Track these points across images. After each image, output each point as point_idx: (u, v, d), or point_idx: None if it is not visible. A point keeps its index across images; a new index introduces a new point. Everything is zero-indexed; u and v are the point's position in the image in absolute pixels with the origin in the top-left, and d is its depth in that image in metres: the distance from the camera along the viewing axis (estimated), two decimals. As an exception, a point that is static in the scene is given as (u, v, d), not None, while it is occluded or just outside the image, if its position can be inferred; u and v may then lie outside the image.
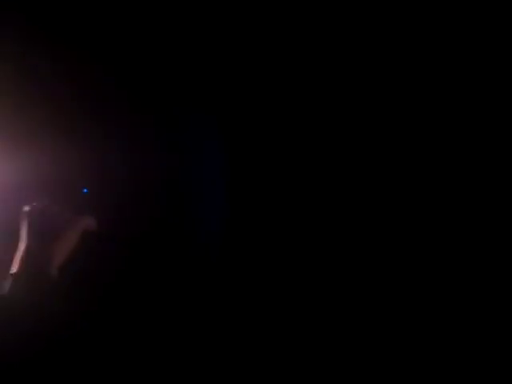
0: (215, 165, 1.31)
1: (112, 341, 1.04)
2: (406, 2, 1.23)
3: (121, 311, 1.15)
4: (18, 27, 1.25)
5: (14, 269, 0.98)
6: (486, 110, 1.23)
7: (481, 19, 1.21)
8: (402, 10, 1.24)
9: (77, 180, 1.22)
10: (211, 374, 1.16)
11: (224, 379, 1.16)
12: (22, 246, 1.01)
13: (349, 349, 1.19)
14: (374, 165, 1.26)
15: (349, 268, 1.23)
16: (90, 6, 1.27)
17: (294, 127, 1.28)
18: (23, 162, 1.19)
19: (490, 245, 1.20)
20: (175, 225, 1.27)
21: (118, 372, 1.04)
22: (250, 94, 1.29)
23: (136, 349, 1.12)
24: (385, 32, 1.25)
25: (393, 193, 1.25)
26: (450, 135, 1.24)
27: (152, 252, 1.24)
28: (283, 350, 1.19)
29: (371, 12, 1.25)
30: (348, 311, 1.21)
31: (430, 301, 1.20)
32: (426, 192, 1.24)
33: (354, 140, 1.27)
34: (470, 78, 1.23)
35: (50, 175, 1.20)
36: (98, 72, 1.28)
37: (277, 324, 1.21)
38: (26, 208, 1.06)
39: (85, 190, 1.21)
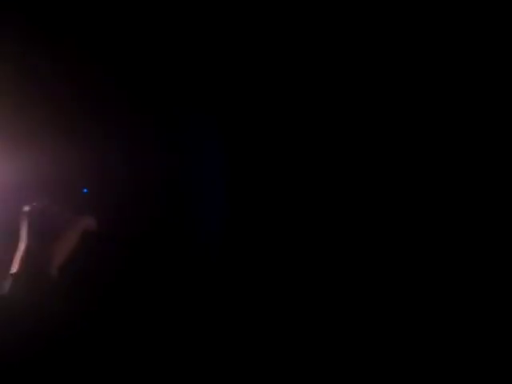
0: (215, 165, 1.31)
1: (112, 341, 1.04)
2: (405, 1, 1.23)
3: (121, 311, 1.15)
4: (18, 27, 1.25)
5: (14, 269, 0.98)
6: (486, 110, 1.23)
7: (481, 19, 1.21)
8: (401, 10, 1.24)
9: (77, 180, 1.22)
10: (211, 373, 1.16)
11: (224, 379, 1.16)
12: (22, 246, 1.01)
13: (349, 349, 1.19)
14: (374, 165, 1.26)
15: (349, 268, 1.23)
16: (89, 6, 1.27)
17: (293, 127, 1.28)
18: (23, 161, 1.19)
19: (490, 245, 1.20)
20: (175, 225, 1.27)
21: (118, 372, 1.04)
22: (249, 94, 1.29)
23: (136, 349, 1.12)
24: (385, 32, 1.25)
25: (393, 193, 1.24)
26: (449, 135, 1.24)
27: (152, 252, 1.24)
28: (283, 350, 1.19)
29: (371, 12, 1.25)
30: (348, 311, 1.21)
31: (429, 301, 1.20)
32: (426, 192, 1.24)
33: (354, 140, 1.26)
34: (469, 78, 1.23)
35: (50, 175, 1.20)
36: (97, 72, 1.28)
37: (277, 324, 1.20)
38: (26, 208, 1.06)
39: (85, 190, 1.21)
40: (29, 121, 1.25)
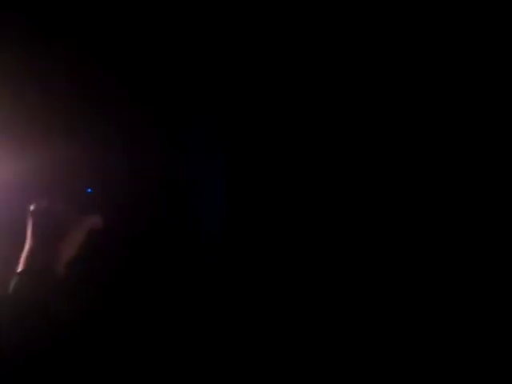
0: (215, 165, 1.31)
1: (115, 339, 1.04)
2: (405, 2, 1.24)
3: (124, 310, 1.15)
4: (18, 27, 1.25)
5: (20, 267, 0.98)
6: (486, 110, 1.24)
7: (481, 19, 1.22)
8: (401, 10, 1.25)
9: (79, 180, 1.22)
10: (211, 373, 1.16)
11: (224, 379, 1.16)
12: (27, 245, 1.01)
13: (349, 349, 1.19)
14: (375, 165, 1.26)
15: (349, 268, 1.23)
16: (89, 5, 1.27)
17: (294, 127, 1.28)
18: (26, 162, 1.19)
19: (490, 245, 1.21)
20: (175, 225, 1.27)
21: (121, 370, 1.04)
22: (250, 94, 1.29)
23: (139, 347, 1.12)
24: (385, 32, 1.26)
25: (393, 193, 1.25)
26: (450, 135, 1.25)
27: (152, 252, 1.24)
28: (283, 350, 1.19)
29: (371, 12, 1.26)
30: (348, 311, 1.21)
31: (429, 301, 1.20)
32: (426, 192, 1.24)
33: (355, 140, 1.27)
34: (469, 78, 1.24)
35: (53, 175, 1.19)
36: (97, 72, 1.28)
37: (277, 324, 1.20)
38: (31, 207, 1.06)
39: (89, 190, 1.21)
40: (29, 121, 1.25)
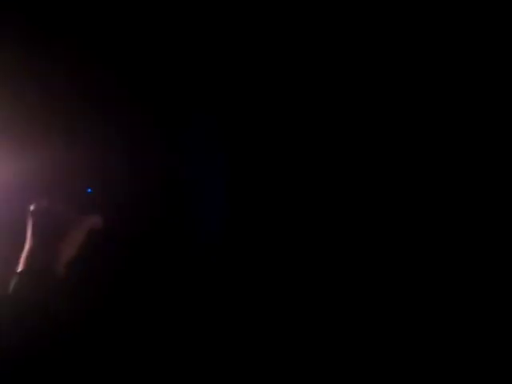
0: (215, 165, 1.31)
1: (115, 339, 1.04)
2: (405, 2, 1.24)
3: (124, 310, 1.15)
4: (18, 27, 1.25)
5: (20, 267, 0.98)
6: (486, 110, 1.24)
7: (481, 19, 1.22)
8: (401, 10, 1.25)
9: (79, 180, 1.22)
10: (211, 373, 1.16)
11: (224, 379, 1.16)
12: (27, 245, 1.01)
13: (349, 349, 1.19)
14: (375, 165, 1.26)
15: (349, 268, 1.23)
16: (89, 5, 1.27)
17: (294, 127, 1.28)
18: (26, 162, 1.19)
19: (490, 245, 1.21)
20: (175, 225, 1.27)
21: (121, 370, 1.04)
22: (250, 94, 1.29)
23: (139, 347, 1.12)
24: (385, 32, 1.26)
25: (393, 193, 1.25)
26: (450, 135, 1.25)
27: (152, 252, 1.24)
28: (283, 350, 1.19)
29: (371, 12, 1.26)
30: (348, 312, 1.21)
31: (429, 301, 1.20)
32: (426, 192, 1.25)
33: (355, 140, 1.27)
34: (469, 78, 1.24)
35: (53, 175, 1.19)
36: (97, 72, 1.28)
37: (277, 324, 1.21)
38: (31, 207, 1.06)
39: (89, 190, 1.21)
40: (29, 121, 1.25)
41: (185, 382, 1.15)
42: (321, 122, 1.28)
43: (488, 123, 1.24)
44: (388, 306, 1.21)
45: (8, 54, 1.25)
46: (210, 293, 1.22)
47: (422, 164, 1.25)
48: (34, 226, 1.04)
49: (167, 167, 1.28)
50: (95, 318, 1.00)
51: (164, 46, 1.29)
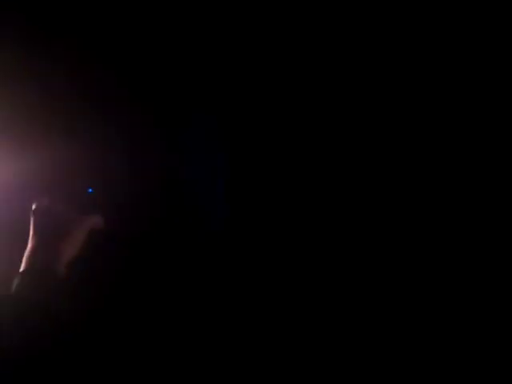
0: (215, 165, 1.31)
1: (117, 339, 1.04)
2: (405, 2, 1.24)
3: (125, 310, 1.15)
4: (18, 27, 1.25)
5: (21, 267, 0.98)
6: (486, 110, 1.24)
7: (481, 19, 1.23)
8: (401, 10, 1.25)
9: (80, 180, 1.22)
10: (212, 373, 1.16)
11: (224, 379, 1.16)
12: (28, 245, 1.01)
13: (349, 349, 1.19)
14: (375, 165, 1.26)
15: (349, 268, 1.23)
16: (90, 5, 1.27)
17: (294, 127, 1.29)
18: (26, 162, 1.19)
19: (490, 245, 1.21)
20: (175, 225, 1.27)
21: (123, 370, 1.04)
22: (250, 94, 1.30)
23: (140, 347, 1.12)
24: (385, 32, 1.26)
25: (393, 193, 1.25)
26: (450, 135, 1.25)
27: (152, 252, 1.24)
28: (283, 350, 1.19)
29: (371, 12, 1.26)
30: (348, 312, 1.21)
31: (429, 301, 1.20)
32: (426, 192, 1.25)
33: (354, 140, 1.27)
34: (469, 78, 1.25)
35: (53, 175, 1.19)
36: (97, 72, 1.28)
37: (277, 324, 1.21)
38: (32, 207, 1.06)
39: (90, 190, 1.21)
40: (29, 121, 1.25)
41: (186, 382, 1.15)
42: (320, 122, 1.28)
43: (488, 123, 1.24)
44: (388, 305, 1.21)
45: (8, 53, 1.24)
46: (210, 292, 1.22)
47: (421, 164, 1.25)
48: (35, 225, 1.04)
49: (167, 167, 1.28)
50: (96, 317, 1.00)
51: (164, 46, 1.29)
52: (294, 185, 1.27)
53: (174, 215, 1.27)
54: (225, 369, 1.16)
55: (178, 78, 1.30)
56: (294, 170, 1.28)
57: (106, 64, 1.28)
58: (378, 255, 1.23)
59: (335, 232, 1.25)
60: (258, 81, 1.29)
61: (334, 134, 1.28)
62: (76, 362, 0.93)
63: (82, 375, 0.94)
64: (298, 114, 1.29)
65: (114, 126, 1.28)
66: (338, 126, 1.28)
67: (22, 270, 0.97)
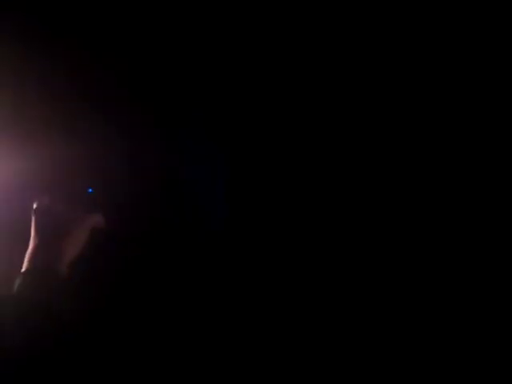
0: (215, 165, 1.31)
1: (118, 339, 1.04)
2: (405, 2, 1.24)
3: (127, 309, 1.15)
4: (18, 27, 1.25)
5: (23, 267, 0.97)
6: (486, 110, 1.24)
7: (481, 19, 1.23)
8: (401, 10, 1.26)
9: (80, 179, 1.22)
10: (212, 373, 1.16)
11: (224, 379, 1.16)
12: (30, 245, 1.01)
13: (349, 349, 1.19)
14: (374, 165, 1.27)
15: (349, 267, 1.24)
16: (90, 5, 1.27)
17: (293, 127, 1.29)
18: (26, 161, 1.19)
19: (490, 245, 1.21)
20: (175, 225, 1.27)
21: (124, 370, 1.04)
22: (249, 94, 1.30)
23: (142, 347, 1.12)
24: (385, 32, 1.27)
25: (393, 193, 1.25)
26: (450, 135, 1.25)
27: (152, 252, 1.24)
28: (283, 350, 1.19)
29: (371, 12, 1.26)
30: (348, 312, 1.21)
31: (429, 301, 1.21)
32: (426, 192, 1.25)
33: (354, 140, 1.27)
34: (469, 78, 1.25)
35: (54, 175, 1.19)
36: (97, 72, 1.28)
37: (277, 323, 1.21)
38: (33, 206, 1.06)
39: (90, 190, 1.21)
40: (29, 121, 1.25)
41: (187, 382, 1.15)
42: (320, 123, 1.28)
43: (488, 123, 1.24)
44: (388, 305, 1.21)
45: (8, 53, 1.24)
46: (210, 292, 1.22)
47: (421, 164, 1.25)
48: (36, 225, 1.04)
49: (167, 167, 1.28)
50: (98, 317, 1.00)
51: (164, 46, 1.29)
52: (294, 185, 1.28)
53: (173, 215, 1.27)
54: (225, 369, 1.16)
55: (178, 78, 1.30)
56: (293, 170, 1.28)
57: (105, 64, 1.28)
58: (378, 255, 1.23)
59: (335, 232, 1.25)
60: (258, 81, 1.29)
61: (333, 134, 1.28)
62: (78, 361, 0.93)
63: (84, 375, 0.94)
64: (298, 114, 1.29)
65: (114, 125, 1.27)
66: (337, 126, 1.28)
67: (23, 270, 0.97)
